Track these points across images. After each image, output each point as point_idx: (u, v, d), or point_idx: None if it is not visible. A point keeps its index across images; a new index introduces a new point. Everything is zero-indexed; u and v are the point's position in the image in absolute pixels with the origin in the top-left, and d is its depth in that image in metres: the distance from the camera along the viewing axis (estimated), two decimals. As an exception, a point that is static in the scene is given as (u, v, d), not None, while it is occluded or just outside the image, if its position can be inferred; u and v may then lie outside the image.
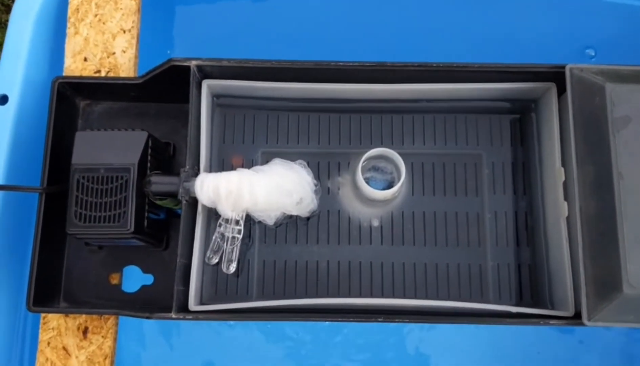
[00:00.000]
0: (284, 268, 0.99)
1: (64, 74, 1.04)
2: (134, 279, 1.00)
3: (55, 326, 0.98)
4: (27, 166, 1.03)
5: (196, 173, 0.93)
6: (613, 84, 0.89)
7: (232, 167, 1.00)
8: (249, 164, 1.02)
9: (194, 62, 0.94)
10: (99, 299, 0.99)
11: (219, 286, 0.98)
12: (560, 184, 0.92)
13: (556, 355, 1.11)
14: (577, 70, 0.90)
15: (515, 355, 1.10)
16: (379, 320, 0.88)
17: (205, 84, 0.97)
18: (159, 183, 0.91)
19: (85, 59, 1.05)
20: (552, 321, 0.88)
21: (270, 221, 0.95)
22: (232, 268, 0.95)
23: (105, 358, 0.97)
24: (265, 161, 0.99)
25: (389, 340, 1.11)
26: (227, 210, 0.92)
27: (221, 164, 1.02)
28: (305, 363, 1.10)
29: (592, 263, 0.84)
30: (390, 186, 1.01)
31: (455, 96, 1.01)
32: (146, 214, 0.93)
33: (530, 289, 0.98)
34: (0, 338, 1.02)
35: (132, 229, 0.89)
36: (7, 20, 1.08)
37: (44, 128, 0.95)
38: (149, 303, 0.99)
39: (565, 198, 0.92)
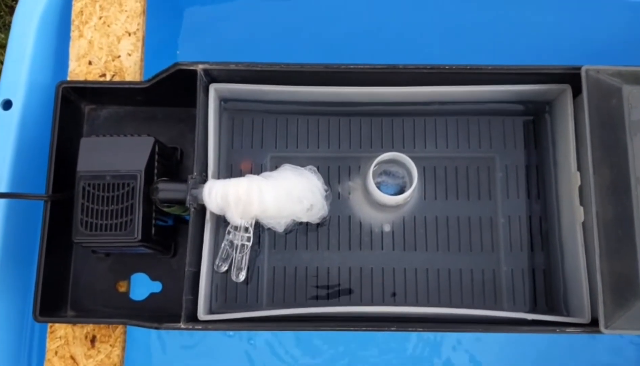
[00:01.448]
0: (294, 274, 0.98)
1: (68, 78, 1.03)
2: (142, 286, 0.99)
3: (63, 335, 0.97)
4: (31, 172, 1.02)
5: (204, 180, 0.91)
6: (630, 86, 0.87)
7: (240, 173, 0.99)
8: (258, 169, 1.00)
9: (200, 66, 0.92)
10: (106, 307, 0.98)
11: (228, 294, 0.97)
12: (575, 189, 0.91)
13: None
14: (593, 71, 0.88)
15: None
16: (392, 328, 0.86)
17: (213, 88, 0.95)
18: (166, 190, 0.90)
19: (90, 63, 1.03)
20: (568, 329, 0.86)
21: (280, 228, 0.93)
22: (242, 276, 0.94)
23: (114, 368, 0.96)
24: (275, 165, 0.98)
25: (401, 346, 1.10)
26: (236, 217, 0.91)
27: (230, 170, 1.01)
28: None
29: (609, 269, 0.83)
30: (401, 190, 0.99)
31: (468, 98, 0.99)
32: (153, 221, 0.91)
33: (545, 295, 0.97)
34: (7, 348, 1.01)
35: (140, 237, 0.88)
36: (10, 22, 1.06)
37: (49, 134, 0.94)
38: (157, 311, 0.98)
39: (581, 203, 0.90)
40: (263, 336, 1.08)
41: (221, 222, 0.96)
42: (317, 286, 0.97)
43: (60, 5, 1.09)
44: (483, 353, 1.09)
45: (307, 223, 0.98)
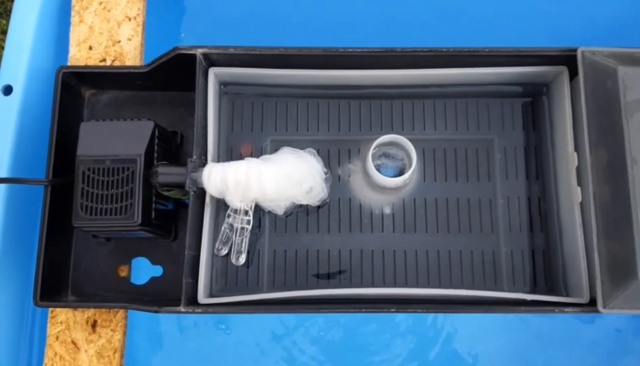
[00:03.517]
0: (294, 257, 0.98)
1: (68, 63, 1.03)
2: (142, 271, 0.99)
3: (64, 320, 0.97)
4: (32, 157, 1.02)
5: (204, 163, 0.92)
6: (626, 67, 0.88)
7: (240, 156, 0.99)
8: (258, 152, 1.00)
9: (199, 50, 0.93)
10: (107, 292, 0.98)
11: (228, 277, 0.97)
12: (573, 170, 0.91)
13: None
14: (589, 53, 0.89)
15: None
16: (392, 310, 0.87)
17: (212, 72, 0.96)
18: (165, 173, 0.90)
19: (91, 48, 1.03)
20: (567, 309, 0.86)
21: (279, 211, 0.94)
22: (242, 259, 0.94)
23: (115, 352, 0.96)
24: (275, 149, 0.98)
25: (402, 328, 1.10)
26: (236, 201, 0.91)
27: (230, 153, 1.01)
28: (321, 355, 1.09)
29: (606, 249, 0.84)
30: (401, 172, 1.00)
31: (466, 80, 0.99)
32: (153, 205, 0.92)
33: (544, 275, 0.97)
34: (8, 333, 1.01)
35: (139, 221, 0.88)
36: (11, 8, 1.06)
37: (49, 119, 0.94)
38: (158, 295, 0.98)
39: (579, 183, 0.91)
40: (265, 318, 1.09)
41: (221, 205, 0.97)
42: (318, 269, 0.98)
43: (61, -10, 1.10)
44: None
45: (307, 206, 0.98)
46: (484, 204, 0.99)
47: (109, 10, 1.04)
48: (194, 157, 0.90)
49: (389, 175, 0.98)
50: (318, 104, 1.02)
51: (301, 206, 0.97)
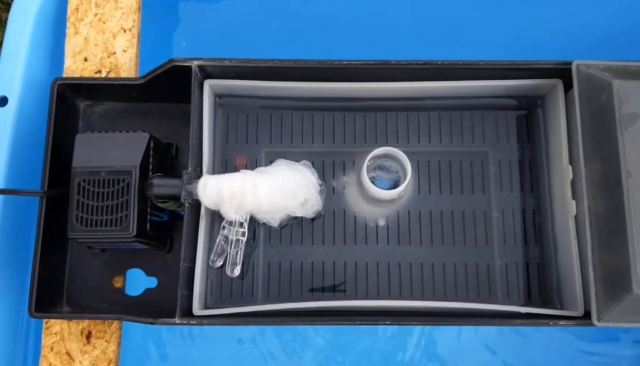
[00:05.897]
0: (289, 269, 0.98)
1: (63, 75, 1.03)
2: (137, 282, 0.99)
3: (58, 331, 0.97)
4: (27, 169, 1.02)
5: (199, 175, 0.92)
6: (620, 81, 0.88)
7: (235, 168, 0.99)
8: (252, 164, 1.00)
9: (195, 62, 0.93)
10: (102, 303, 0.98)
11: (223, 289, 0.97)
12: (568, 182, 0.91)
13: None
14: (583, 66, 0.89)
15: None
16: (387, 322, 0.87)
17: (207, 84, 0.96)
18: (160, 185, 0.90)
19: (86, 59, 1.03)
20: (561, 322, 0.87)
21: (274, 223, 0.94)
22: (237, 271, 0.94)
23: (110, 363, 0.96)
24: (270, 160, 0.98)
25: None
26: (231, 212, 0.91)
27: (224, 165, 1.01)
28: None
29: (601, 263, 0.84)
30: (396, 185, 1.00)
31: (461, 93, 0.99)
32: (149, 217, 0.92)
33: (538, 288, 0.97)
34: (2, 344, 1.01)
35: (135, 232, 0.88)
36: (6, 19, 1.07)
37: (45, 130, 0.94)
38: (153, 307, 0.98)
39: (574, 196, 0.90)
40: (262, 330, 1.09)
41: (216, 217, 0.96)
42: (312, 281, 0.98)
43: (56, 2, 1.10)
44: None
45: (302, 218, 0.98)
46: (478, 216, 0.99)
47: (104, 22, 1.04)
48: (189, 169, 0.91)
49: (384, 187, 0.98)
50: (313, 116, 1.02)
51: (296, 218, 0.97)
